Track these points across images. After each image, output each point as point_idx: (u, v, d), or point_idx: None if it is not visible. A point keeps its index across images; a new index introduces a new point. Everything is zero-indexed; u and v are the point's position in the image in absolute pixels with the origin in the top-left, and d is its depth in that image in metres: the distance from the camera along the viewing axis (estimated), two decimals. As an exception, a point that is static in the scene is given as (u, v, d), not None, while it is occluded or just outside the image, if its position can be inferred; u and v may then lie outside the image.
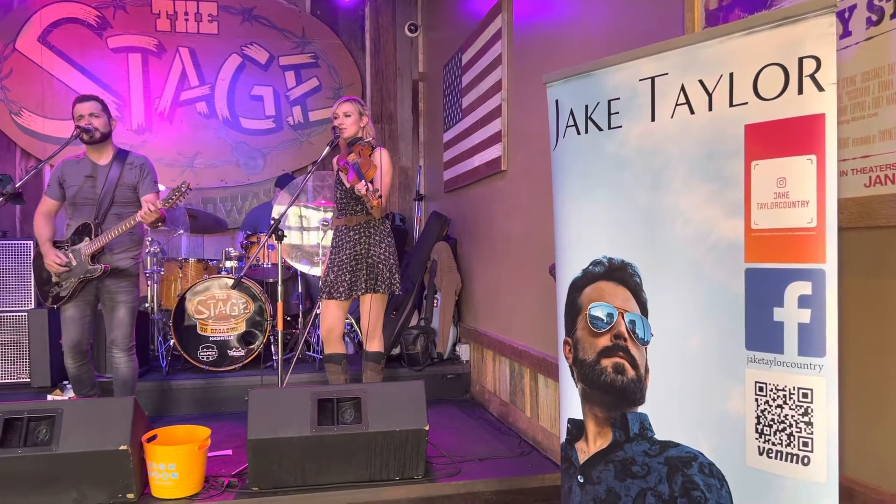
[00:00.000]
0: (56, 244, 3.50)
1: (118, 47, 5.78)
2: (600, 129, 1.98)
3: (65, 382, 4.30)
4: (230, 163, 5.98)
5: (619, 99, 1.94)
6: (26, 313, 4.67)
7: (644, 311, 1.88)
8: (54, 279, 3.49)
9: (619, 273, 1.94)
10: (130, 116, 5.76)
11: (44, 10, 5.61)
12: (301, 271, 4.94)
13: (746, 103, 1.64)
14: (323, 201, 4.86)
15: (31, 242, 4.82)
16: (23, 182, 3.39)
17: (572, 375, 2.08)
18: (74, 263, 3.44)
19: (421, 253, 5.06)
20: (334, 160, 3.70)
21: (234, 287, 4.56)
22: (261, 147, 6.06)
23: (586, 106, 2.02)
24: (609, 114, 1.96)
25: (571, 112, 2.07)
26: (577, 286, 2.05)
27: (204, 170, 5.91)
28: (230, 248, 4.91)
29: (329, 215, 4.75)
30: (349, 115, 3.63)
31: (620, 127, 1.93)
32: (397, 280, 3.68)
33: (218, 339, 4.58)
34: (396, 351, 4.76)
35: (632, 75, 1.90)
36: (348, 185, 3.60)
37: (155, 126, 5.84)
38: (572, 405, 2.09)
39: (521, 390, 3.67)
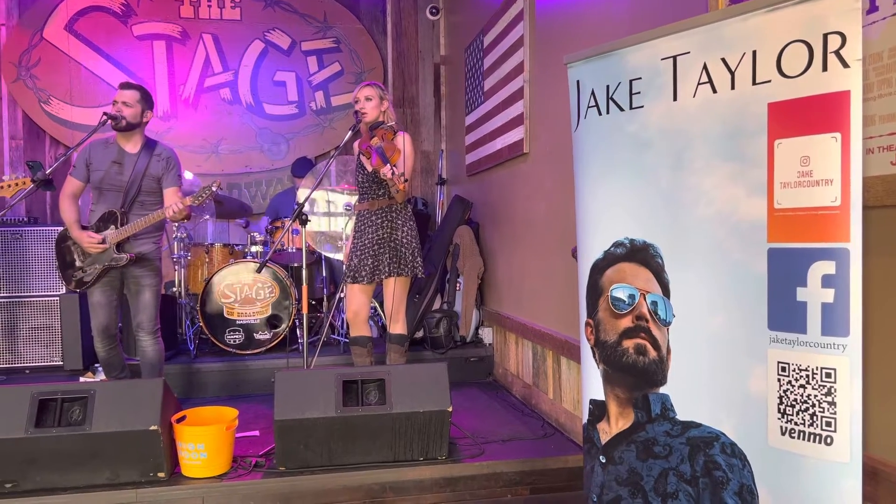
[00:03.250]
0: (82, 229, 3.56)
1: (143, 35, 5.84)
2: (622, 110, 1.97)
3: (96, 365, 4.40)
4: (254, 148, 6.03)
5: (640, 79, 1.93)
6: (58, 298, 4.78)
7: (666, 291, 1.87)
8: (77, 264, 3.55)
9: (640, 254, 1.93)
10: (156, 103, 5.80)
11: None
12: (325, 255, 4.99)
13: (769, 81, 1.63)
14: (346, 185, 4.89)
15: (62, 229, 4.92)
16: (53, 168, 3.46)
17: (594, 357, 2.09)
18: (104, 247, 3.50)
19: (443, 237, 5.07)
20: (356, 144, 3.71)
21: (259, 271, 4.61)
22: (284, 132, 6.10)
23: (607, 86, 2.01)
24: (630, 94, 1.95)
25: (592, 93, 2.06)
26: (599, 268, 2.06)
27: (228, 156, 5.97)
28: (255, 233, 4.97)
29: (352, 199, 4.79)
30: (370, 99, 3.63)
31: (642, 107, 1.92)
32: (420, 263, 3.70)
33: (244, 322, 4.65)
34: (420, 334, 4.80)
35: (653, 54, 1.89)
36: (371, 170, 3.62)
37: (180, 113, 5.91)
38: (594, 386, 2.10)
39: (544, 373, 3.68)
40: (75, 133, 5.69)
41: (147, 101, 3.61)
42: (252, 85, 6.02)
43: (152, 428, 2.67)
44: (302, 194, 4.99)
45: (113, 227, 3.51)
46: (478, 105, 4.89)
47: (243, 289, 4.65)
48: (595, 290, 2.07)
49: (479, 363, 4.67)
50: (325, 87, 6.16)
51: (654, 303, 1.90)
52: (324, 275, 5.10)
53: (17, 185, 3.83)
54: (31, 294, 4.79)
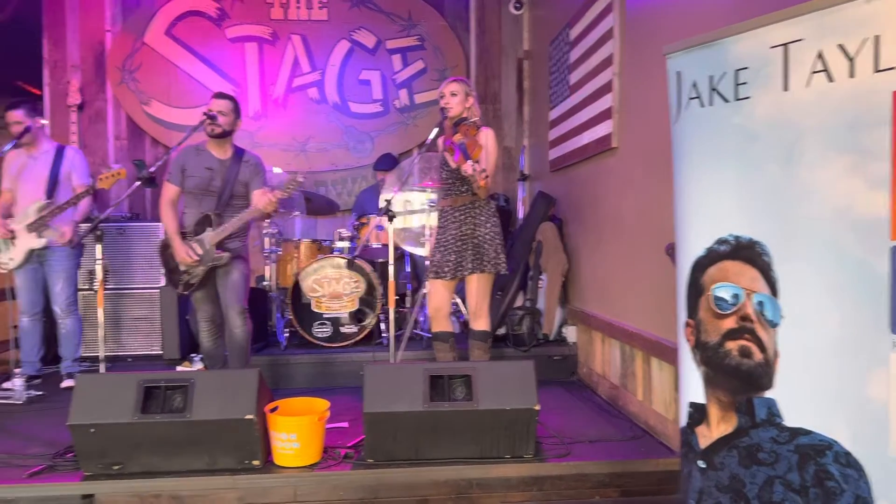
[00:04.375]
0: (182, 234, 3.74)
1: (236, 37, 6.06)
2: (726, 101, 1.89)
3: (193, 355, 4.59)
4: (340, 146, 6.16)
5: (747, 68, 1.84)
6: (158, 290, 5.02)
7: (774, 291, 1.79)
8: (182, 268, 3.74)
9: (746, 252, 1.85)
10: (247, 103, 6.02)
11: (169, 5, 5.96)
12: (408, 252, 5.04)
13: (894, 68, 1.52)
14: (429, 182, 4.92)
15: (162, 225, 5.17)
16: (156, 167, 3.63)
17: (694, 358, 2.02)
18: (202, 253, 3.67)
19: (526, 233, 5.03)
20: (440, 140, 3.73)
21: (349, 267, 4.72)
22: (369, 130, 6.20)
23: (710, 77, 1.93)
24: (736, 84, 1.86)
25: (694, 84, 1.98)
26: (700, 266, 1.98)
27: (316, 154, 6.12)
28: (342, 229, 5.07)
29: (434, 196, 4.81)
30: (455, 95, 3.64)
31: (748, 98, 1.84)
32: (503, 260, 3.68)
33: (331, 316, 4.75)
34: (502, 331, 4.77)
35: (761, 43, 1.80)
36: (454, 166, 3.63)
37: (270, 112, 6.10)
38: (693, 389, 2.03)
39: (633, 373, 3.59)
40: (173, 133, 5.96)
41: (238, 111, 3.81)
42: (338, 84, 6.14)
43: (248, 417, 2.76)
44: (388, 191, 5.06)
45: (209, 229, 3.68)
46: (562, 100, 4.82)
47: (331, 283, 4.75)
48: (696, 290, 1.99)
49: (562, 362, 4.60)
50: (408, 84, 6.21)
51: (761, 303, 1.81)
52: (407, 270, 5.16)
53: (113, 176, 4.06)
54: (134, 286, 5.06)
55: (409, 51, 6.19)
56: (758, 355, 1.83)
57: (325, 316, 4.75)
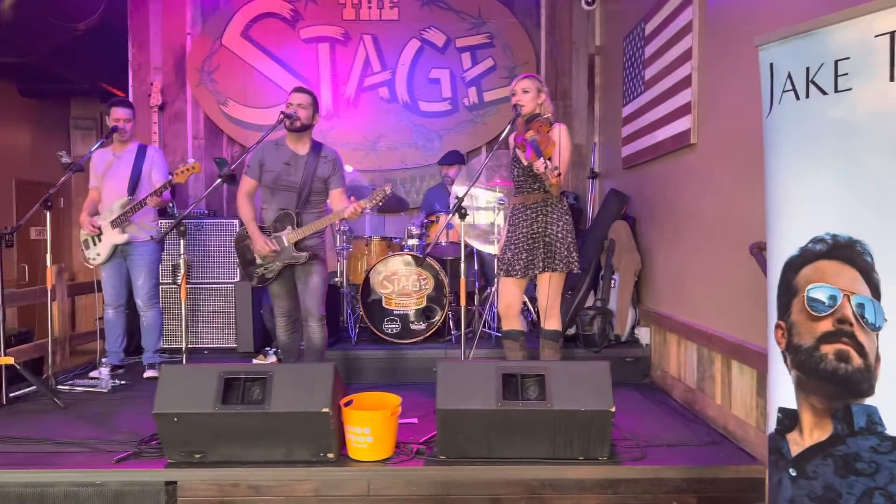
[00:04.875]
0: (260, 229, 3.82)
1: (309, 38, 6.18)
2: (824, 93, 1.80)
3: (267, 349, 4.71)
4: (409, 145, 6.20)
5: (847, 59, 1.75)
6: (233, 285, 5.17)
7: (876, 293, 1.69)
8: (258, 261, 3.82)
9: (844, 251, 1.76)
10: (320, 103, 6.11)
11: (245, 7, 6.13)
12: (476, 249, 5.03)
13: None
14: (498, 181, 4.89)
15: (238, 221, 5.31)
16: (236, 164, 3.73)
17: (785, 362, 1.93)
18: (279, 249, 3.75)
19: (598, 232, 4.94)
20: (511, 137, 3.70)
21: (419, 264, 4.75)
22: (437, 129, 6.22)
23: (807, 68, 1.84)
24: (836, 76, 1.77)
25: (789, 76, 1.90)
26: (793, 266, 1.89)
27: (386, 152, 6.18)
28: (412, 227, 5.10)
29: (502, 195, 4.79)
30: (527, 92, 3.61)
31: (850, 90, 1.74)
32: (575, 258, 3.63)
33: (401, 312, 4.79)
34: (572, 331, 4.71)
35: (864, 31, 1.71)
36: (526, 163, 3.59)
37: (342, 111, 6.20)
38: (784, 393, 1.95)
39: (711, 377, 3.48)
40: (249, 132, 6.13)
41: (316, 105, 3.84)
42: (408, 83, 6.19)
43: (324, 410, 2.80)
44: (459, 189, 5.06)
45: (290, 227, 3.74)
46: (637, 95, 4.72)
47: (400, 280, 4.79)
48: (788, 291, 1.91)
49: (634, 364, 4.50)
50: (477, 82, 6.20)
51: (861, 305, 1.72)
52: (475, 268, 5.15)
53: (188, 170, 4.19)
54: (210, 281, 5.22)
55: (478, 49, 6.18)
56: (857, 360, 1.74)
57: (394, 312, 4.79)
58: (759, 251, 2.69)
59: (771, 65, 1.97)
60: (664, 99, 4.12)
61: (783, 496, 1.95)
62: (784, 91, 1.91)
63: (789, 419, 1.93)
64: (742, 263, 2.99)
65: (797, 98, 1.88)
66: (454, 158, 5.68)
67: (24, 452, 3.06)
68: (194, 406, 2.82)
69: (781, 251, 1.94)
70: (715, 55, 3.46)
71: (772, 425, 2.00)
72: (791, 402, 1.92)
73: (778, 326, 1.96)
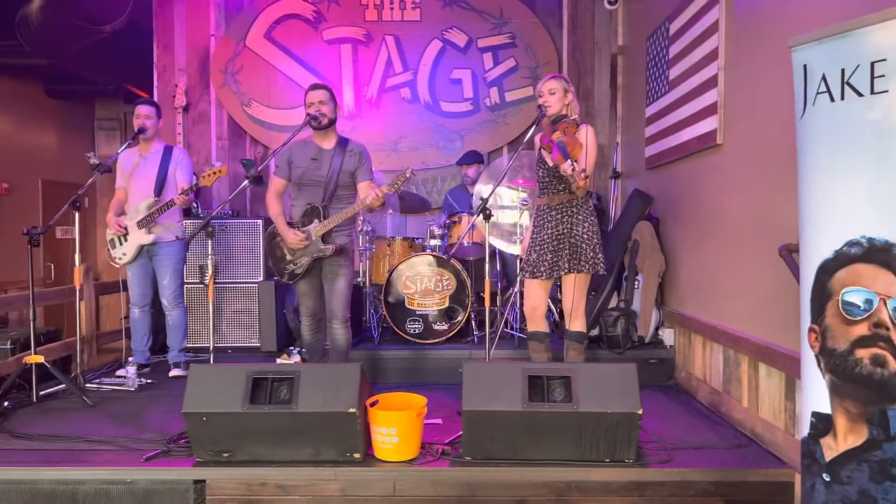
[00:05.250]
0: (288, 225, 3.84)
1: (332, 39, 6.20)
2: (860, 95, 1.78)
3: (291, 348, 4.74)
4: (431, 145, 6.20)
5: (884, 60, 1.73)
6: (256, 285, 5.21)
7: (914, 297, 1.67)
8: (288, 257, 3.85)
9: (881, 255, 1.74)
10: (342, 103, 6.16)
11: (268, 9, 6.17)
12: (498, 250, 5.03)
13: None
14: (521, 181, 4.89)
15: (261, 221, 5.36)
16: (263, 165, 3.76)
17: (818, 366, 1.92)
18: (308, 241, 3.76)
19: (622, 232, 4.92)
20: (537, 138, 3.68)
21: (439, 265, 4.75)
22: (459, 129, 6.22)
23: (842, 70, 1.83)
24: (872, 77, 1.76)
25: (823, 77, 1.88)
26: (828, 269, 1.88)
27: (407, 153, 6.19)
28: (434, 227, 5.10)
29: (525, 195, 4.78)
30: (554, 92, 3.59)
31: (886, 91, 1.73)
32: (601, 260, 3.62)
33: (423, 313, 4.80)
34: (595, 332, 4.69)
35: (902, 32, 1.69)
36: (551, 164, 3.58)
37: (364, 112, 6.22)
38: (817, 397, 1.93)
39: (737, 379, 3.45)
40: (272, 133, 6.17)
41: (334, 98, 3.87)
42: (430, 84, 6.19)
43: (351, 410, 2.82)
44: (480, 189, 5.06)
45: (316, 220, 3.76)
46: (661, 95, 4.69)
47: (423, 280, 4.80)
48: (822, 294, 1.89)
49: (658, 365, 4.48)
50: (499, 82, 6.20)
51: (898, 309, 1.70)
52: (497, 269, 5.15)
53: (214, 174, 4.23)
54: (234, 280, 5.26)
55: (500, 49, 6.18)
56: (893, 365, 1.72)
57: (417, 312, 4.81)
58: (788, 253, 2.66)
59: (805, 66, 1.95)
60: (689, 99, 4.09)
61: (816, 501, 1.93)
62: (818, 93, 1.90)
63: (823, 423, 1.91)
64: (770, 265, 2.97)
65: (832, 100, 1.86)
66: (473, 158, 5.68)
67: (56, 450, 3.11)
68: (223, 406, 2.85)
69: (815, 254, 1.92)
70: (742, 55, 3.43)
71: (805, 429, 1.98)
72: (825, 406, 1.90)
73: (811, 330, 1.94)
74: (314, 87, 3.83)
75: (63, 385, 4.08)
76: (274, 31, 6.17)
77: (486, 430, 2.86)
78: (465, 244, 5.08)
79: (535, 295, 3.73)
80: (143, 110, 4.49)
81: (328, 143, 3.84)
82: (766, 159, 3.13)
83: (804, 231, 1.99)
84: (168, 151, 4.59)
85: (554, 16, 6.21)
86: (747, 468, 2.89)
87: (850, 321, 1.81)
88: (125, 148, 4.53)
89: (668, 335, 4.54)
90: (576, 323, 3.69)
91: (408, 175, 3.61)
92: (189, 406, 2.86)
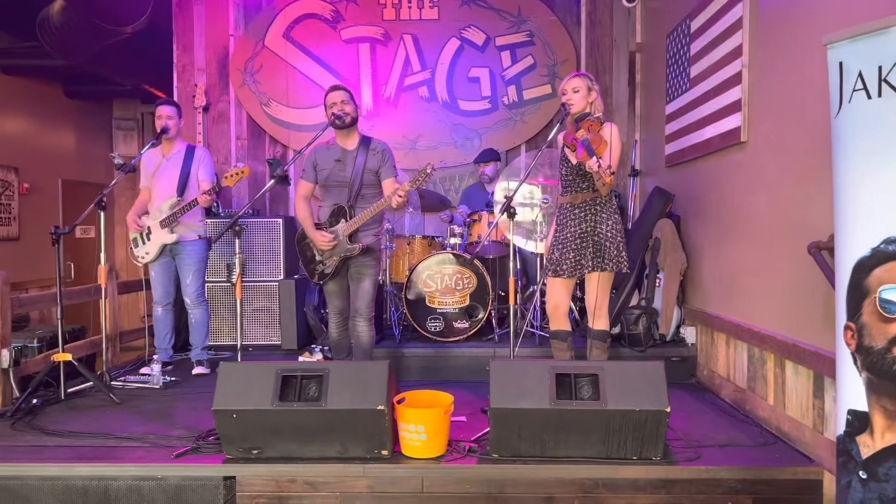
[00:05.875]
0: (315, 226, 3.88)
1: (350, 38, 6.23)
2: (899, 92, 1.78)
3: (312, 346, 4.77)
4: (448, 144, 6.22)
5: (923, 57, 1.73)
6: (277, 283, 5.24)
7: (954, 295, 1.67)
8: (318, 258, 3.89)
9: (920, 252, 1.74)
10: (360, 103, 6.17)
11: (287, 9, 6.20)
12: (518, 248, 5.03)
13: None
14: (541, 179, 4.90)
15: (281, 220, 5.40)
16: (288, 166, 3.79)
17: (854, 363, 1.92)
18: (335, 243, 3.80)
19: (643, 230, 4.91)
20: (560, 136, 3.69)
21: (459, 263, 4.76)
22: (477, 128, 6.23)
23: (880, 67, 1.82)
24: (911, 74, 1.75)
25: (860, 75, 1.87)
26: (865, 267, 1.87)
27: (425, 151, 6.20)
28: (455, 226, 5.12)
29: (544, 194, 4.78)
30: (577, 91, 3.60)
31: (925, 88, 1.72)
32: (625, 258, 3.62)
33: (444, 311, 4.82)
34: (616, 330, 4.69)
35: (942, 29, 1.69)
36: (575, 162, 3.59)
37: (382, 111, 6.24)
38: (853, 395, 1.93)
39: (763, 377, 3.44)
40: (291, 133, 6.20)
41: (353, 97, 3.90)
42: (448, 82, 6.21)
43: (379, 408, 2.84)
44: (499, 187, 5.07)
45: (343, 220, 3.80)
46: (681, 93, 4.68)
47: (444, 279, 4.82)
48: (858, 292, 1.89)
49: (680, 363, 4.47)
50: (517, 81, 6.20)
51: (938, 307, 1.70)
52: (517, 267, 5.14)
53: (237, 174, 4.26)
54: (255, 279, 5.30)
55: (518, 47, 6.18)
56: (933, 363, 1.72)
57: (437, 311, 4.82)
58: (818, 251, 2.66)
59: (840, 63, 1.95)
60: (712, 96, 4.08)
61: (853, 498, 1.93)
62: (855, 90, 1.89)
63: (859, 421, 1.91)
64: (796, 262, 2.96)
65: (868, 97, 1.86)
66: (490, 156, 5.69)
67: (87, 447, 3.14)
68: (252, 403, 2.88)
69: (851, 252, 1.92)
70: (767, 52, 3.42)
71: (840, 427, 1.98)
72: (861, 404, 1.90)
73: (847, 328, 1.94)
74: (334, 88, 3.87)
75: (90, 382, 4.13)
76: (292, 31, 6.21)
77: (513, 427, 2.88)
78: (486, 242, 5.09)
79: (557, 293, 3.74)
80: (164, 111, 4.53)
81: (351, 142, 3.87)
82: (793, 157, 3.12)
83: (839, 229, 1.99)
84: (190, 151, 4.63)
85: (572, 13, 6.21)
86: (775, 466, 2.88)
87: (888, 319, 1.81)
88: (148, 148, 4.57)
89: (689, 333, 4.53)
90: (599, 321, 3.69)
91: (429, 171, 3.62)
92: (219, 403, 2.89)
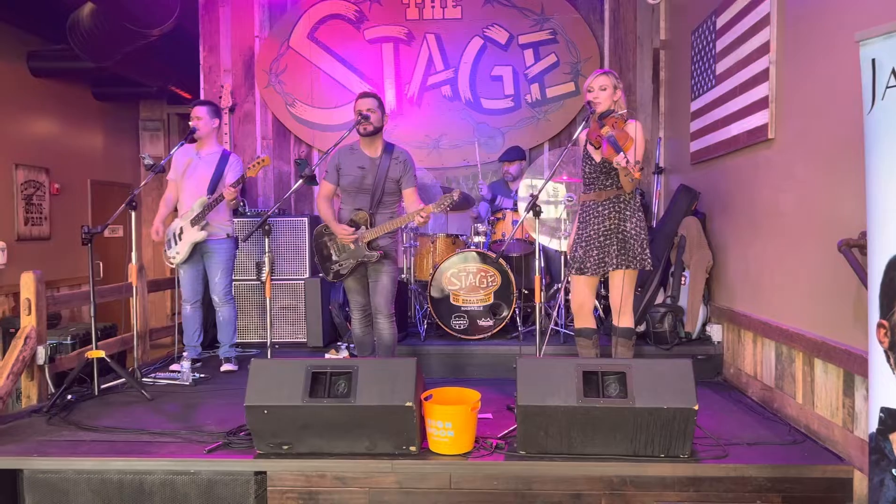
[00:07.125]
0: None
1: (373, 38, 6.27)
2: (933, 89, 1.77)
3: (339, 343, 4.82)
4: (471, 143, 6.22)
5: (958, 53, 1.72)
6: (303, 281, 5.30)
7: None
8: (334, 257, 3.96)
9: (955, 249, 1.73)
10: (384, 103, 6.21)
11: (311, 10, 6.25)
12: (542, 245, 5.03)
13: None
14: (565, 177, 4.90)
15: (306, 219, 5.46)
16: (316, 165, 3.84)
17: (888, 361, 1.91)
18: (353, 247, 3.87)
19: (668, 228, 4.90)
20: (582, 134, 3.70)
21: (483, 261, 4.78)
22: (500, 126, 6.24)
23: (914, 63, 1.81)
24: (945, 71, 1.74)
25: (893, 71, 1.87)
26: (898, 264, 1.87)
27: (448, 150, 6.23)
28: (479, 224, 5.14)
29: (569, 193, 4.78)
30: (604, 89, 3.60)
31: (960, 85, 1.71)
32: (648, 256, 3.62)
33: (468, 309, 4.84)
34: (641, 328, 4.69)
35: (977, 24, 1.67)
36: (598, 160, 3.60)
37: (405, 111, 6.27)
38: (886, 393, 1.92)
39: (791, 375, 3.42)
40: (315, 132, 6.26)
41: (383, 107, 3.98)
42: (471, 81, 6.22)
43: (408, 404, 2.87)
44: (524, 184, 5.08)
45: (363, 227, 3.87)
46: (707, 89, 4.65)
47: (468, 277, 4.84)
48: (892, 289, 1.88)
49: (706, 361, 4.45)
50: (540, 79, 6.20)
51: (974, 304, 1.69)
52: (541, 265, 5.15)
53: (258, 164, 4.33)
54: (280, 277, 5.36)
55: (541, 45, 6.18)
56: (968, 360, 1.71)
57: (462, 309, 4.85)
58: (848, 248, 2.64)
59: (873, 60, 1.94)
60: (738, 93, 4.05)
61: (886, 497, 1.92)
62: (888, 87, 1.88)
63: (892, 419, 1.90)
64: (825, 260, 2.95)
65: (902, 94, 1.85)
66: (515, 154, 5.70)
67: (121, 441, 3.21)
68: (283, 399, 2.92)
69: (885, 249, 1.91)
70: (795, 48, 3.40)
71: (873, 425, 1.97)
72: (894, 401, 1.89)
73: (880, 325, 1.93)
74: (364, 94, 3.96)
75: (122, 379, 4.21)
76: (317, 32, 6.26)
77: (540, 424, 2.89)
78: (511, 241, 5.10)
79: (581, 291, 3.75)
80: (194, 111, 4.60)
81: (374, 151, 3.94)
82: (821, 153, 3.10)
83: (872, 226, 1.98)
84: (225, 157, 4.68)
85: (595, 11, 6.19)
86: (804, 464, 2.87)
87: (923, 316, 1.80)
88: (178, 148, 4.64)
89: (715, 331, 4.51)
90: (624, 319, 3.70)
91: (455, 198, 3.72)
92: (251, 399, 2.93)
